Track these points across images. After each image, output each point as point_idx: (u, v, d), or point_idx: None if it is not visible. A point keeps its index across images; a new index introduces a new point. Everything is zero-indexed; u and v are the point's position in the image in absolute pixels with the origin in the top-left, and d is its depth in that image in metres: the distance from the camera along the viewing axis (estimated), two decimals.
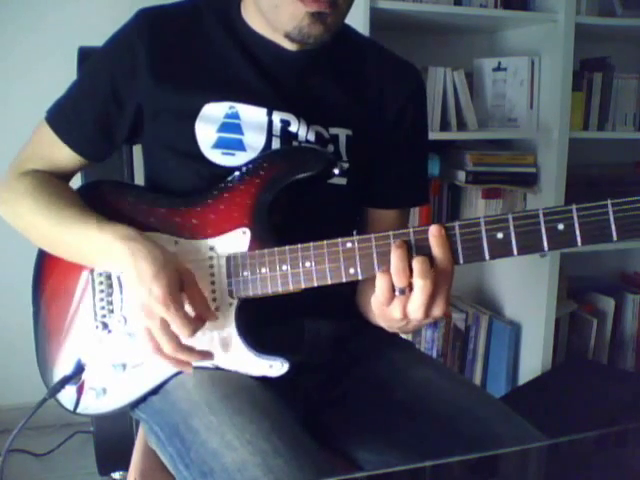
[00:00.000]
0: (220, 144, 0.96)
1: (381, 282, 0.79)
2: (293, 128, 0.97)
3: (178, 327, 0.83)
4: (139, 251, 0.85)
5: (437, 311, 0.80)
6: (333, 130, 0.99)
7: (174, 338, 0.84)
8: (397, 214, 1.08)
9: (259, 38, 0.98)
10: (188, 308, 0.85)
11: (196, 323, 0.85)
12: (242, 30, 0.99)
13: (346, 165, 0.99)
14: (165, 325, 0.84)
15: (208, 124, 0.95)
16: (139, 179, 1.23)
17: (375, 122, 1.02)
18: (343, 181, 0.99)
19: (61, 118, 1.01)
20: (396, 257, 0.78)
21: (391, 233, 0.80)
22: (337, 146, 0.99)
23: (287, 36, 0.92)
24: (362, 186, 1.03)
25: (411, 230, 0.79)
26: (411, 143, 1.06)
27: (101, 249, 0.89)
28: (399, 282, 0.78)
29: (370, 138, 1.02)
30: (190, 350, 0.87)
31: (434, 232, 0.78)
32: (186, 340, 0.86)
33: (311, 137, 0.97)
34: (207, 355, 0.89)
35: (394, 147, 1.04)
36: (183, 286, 0.86)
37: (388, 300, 0.80)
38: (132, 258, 0.85)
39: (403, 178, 1.07)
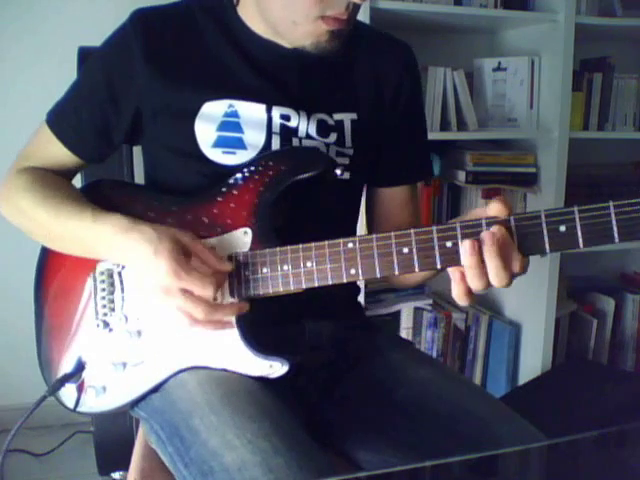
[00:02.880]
0: (220, 143, 0.96)
1: (457, 287, 0.77)
2: (293, 123, 0.97)
3: (198, 287, 0.84)
4: (133, 242, 0.87)
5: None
6: (337, 116, 1.00)
7: (201, 302, 0.84)
8: (405, 191, 1.10)
9: (256, 37, 0.98)
10: (203, 267, 0.86)
11: (215, 277, 0.85)
12: (239, 29, 0.99)
13: (347, 161, 1.00)
14: (188, 294, 0.84)
15: (207, 123, 0.95)
16: (139, 179, 1.23)
17: (375, 103, 1.03)
18: (346, 175, 1.00)
19: (60, 120, 1.01)
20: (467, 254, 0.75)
21: (392, 234, 0.80)
22: (342, 133, 1.00)
23: (300, 48, 0.93)
24: (367, 170, 1.04)
25: (412, 231, 0.79)
26: (411, 118, 1.08)
27: (99, 242, 0.91)
28: (476, 283, 0.75)
29: (374, 120, 1.03)
30: (223, 306, 0.87)
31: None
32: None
33: (312, 129, 0.98)
34: (241, 307, 0.88)
35: (395, 125, 1.06)
36: (186, 250, 0.86)
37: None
38: (129, 252, 0.87)
39: (406, 153, 1.09)
